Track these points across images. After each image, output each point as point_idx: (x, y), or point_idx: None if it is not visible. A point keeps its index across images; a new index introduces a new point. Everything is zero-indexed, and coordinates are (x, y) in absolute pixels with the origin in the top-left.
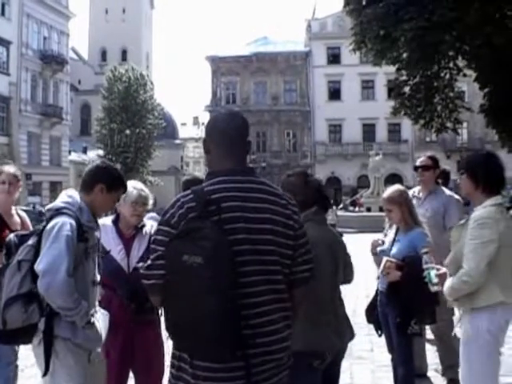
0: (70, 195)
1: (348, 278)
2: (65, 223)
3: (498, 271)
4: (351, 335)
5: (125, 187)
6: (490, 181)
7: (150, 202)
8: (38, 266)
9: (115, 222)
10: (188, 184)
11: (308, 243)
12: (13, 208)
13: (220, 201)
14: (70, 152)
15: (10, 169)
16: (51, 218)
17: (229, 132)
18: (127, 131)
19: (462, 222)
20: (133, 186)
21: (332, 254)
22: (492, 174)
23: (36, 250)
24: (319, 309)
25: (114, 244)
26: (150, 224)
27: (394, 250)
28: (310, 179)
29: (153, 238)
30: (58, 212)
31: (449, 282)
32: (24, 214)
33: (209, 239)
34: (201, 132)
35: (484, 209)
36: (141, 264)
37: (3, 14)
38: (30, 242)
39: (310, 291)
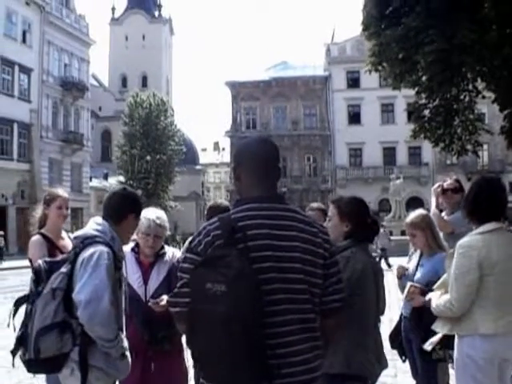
0: (99, 223)
1: (382, 308)
2: (103, 252)
3: (482, 300)
4: (385, 363)
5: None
6: (479, 207)
7: (165, 232)
8: (79, 296)
9: (134, 250)
10: (212, 210)
11: (340, 272)
12: (63, 231)
13: (246, 228)
14: (90, 178)
15: (64, 193)
16: (85, 246)
17: (259, 158)
18: (148, 157)
19: (452, 250)
20: (145, 215)
21: (376, 281)
22: (480, 201)
23: (69, 278)
24: (363, 334)
25: (132, 271)
26: (172, 251)
27: (418, 275)
28: (363, 205)
29: (180, 265)
30: (92, 240)
31: (436, 300)
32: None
33: (232, 267)
34: (221, 157)
35: (468, 237)
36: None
37: (24, 41)
38: (64, 269)
39: (355, 315)
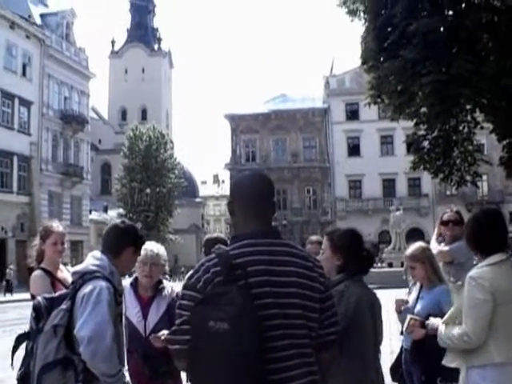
0: (98, 258)
1: (380, 339)
2: (103, 288)
3: (495, 330)
4: None
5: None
6: (483, 240)
7: (162, 261)
8: (81, 333)
9: (133, 285)
10: (209, 244)
11: (334, 306)
12: (61, 265)
13: (246, 265)
14: (90, 211)
15: (58, 228)
16: (84, 282)
17: (254, 193)
18: (148, 190)
19: (460, 283)
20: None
21: (372, 312)
22: (483, 233)
23: (70, 314)
24: (363, 367)
25: (131, 306)
26: (170, 286)
27: (418, 308)
28: (356, 238)
29: (178, 302)
30: (92, 276)
31: (447, 334)
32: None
33: (234, 304)
34: (221, 190)
35: (478, 269)
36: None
37: (24, 74)
38: (64, 306)
39: (354, 349)
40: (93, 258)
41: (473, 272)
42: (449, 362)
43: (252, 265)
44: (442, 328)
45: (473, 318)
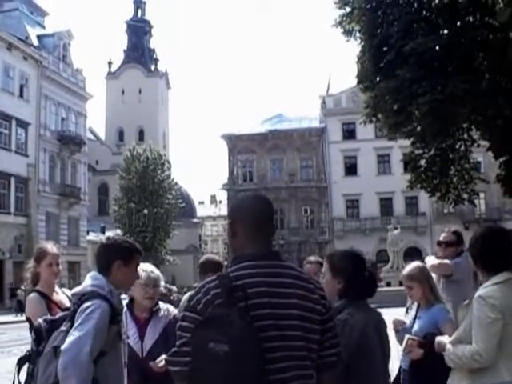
0: (96, 278)
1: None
2: (97, 306)
3: (504, 349)
4: None
5: (139, 251)
6: (489, 258)
7: (162, 283)
8: (62, 346)
9: (129, 306)
10: (204, 266)
11: (335, 327)
12: (56, 287)
13: (246, 287)
14: (88, 232)
15: (53, 249)
16: (82, 303)
17: (254, 215)
18: (145, 211)
19: (467, 302)
20: (142, 268)
21: (379, 334)
22: (490, 252)
23: None
24: None
25: (127, 327)
26: (166, 308)
27: (416, 328)
28: (357, 259)
29: (178, 324)
30: (90, 296)
31: (456, 353)
32: (68, 293)
33: (235, 326)
34: (219, 210)
35: (486, 288)
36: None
37: (22, 95)
38: (64, 327)
39: (364, 373)
40: (90, 279)
41: (481, 291)
42: (455, 381)
43: (252, 287)
44: (449, 347)
45: (484, 336)
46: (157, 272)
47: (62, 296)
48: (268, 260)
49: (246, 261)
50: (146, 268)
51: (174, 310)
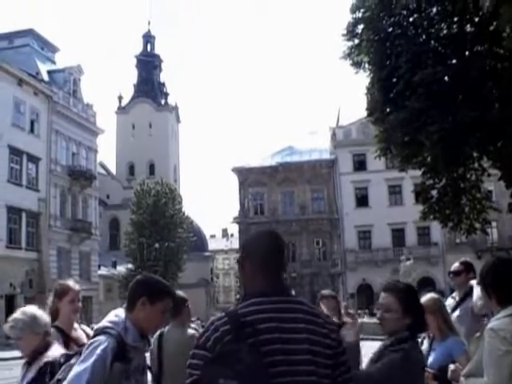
0: (116, 314)
1: None
2: (101, 342)
3: None
4: None
5: (170, 294)
6: (501, 290)
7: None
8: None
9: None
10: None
11: (347, 361)
12: (75, 323)
13: (255, 322)
14: (99, 266)
15: (75, 286)
16: (93, 337)
17: (265, 251)
18: (156, 245)
19: (478, 334)
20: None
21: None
22: (502, 283)
23: None
24: None
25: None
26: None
27: (430, 360)
28: (416, 296)
29: (188, 361)
30: (101, 331)
31: None
32: (87, 329)
33: (244, 362)
34: (230, 244)
35: (497, 321)
36: None
37: (32, 130)
38: (73, 361)
39: None
40: (111, 315)
41: (492, 324)
42: None
43: (262, 322)
44: (462, 380)
45: (495, 369)
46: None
47: (80, 332)
48: (278, 295)
49: (255, 297)
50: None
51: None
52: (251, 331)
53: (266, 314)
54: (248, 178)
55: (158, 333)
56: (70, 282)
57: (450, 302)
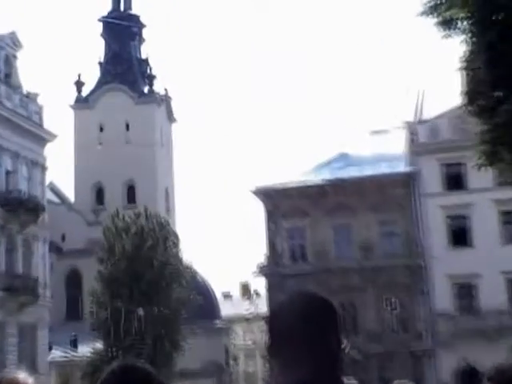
0: None
1: None
2: None
3: None
4: None
5: None
6: None
7: None
8: None
9: None
10: None
11: None
12: None
13: None
14: (50, 347)
15: (26, 380)
16: None
17: (298, 327)
18: (140, 312)
19: None
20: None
21: None
22: None
23: None
24: None
25: None
26: None
27: None
28: None
29: None
30: None
31: None
32: None
33: None
34: (254, 307)
35: None
36: None
37: None
38: None
39: None
40: None
41: None
42: None
43: None
44: None
45: None
46: None
47: None
48: None
49: None
50: None
51: None
52: None
53: None
54: (280, 204)
55: None
56: (20, 377)
57: None
